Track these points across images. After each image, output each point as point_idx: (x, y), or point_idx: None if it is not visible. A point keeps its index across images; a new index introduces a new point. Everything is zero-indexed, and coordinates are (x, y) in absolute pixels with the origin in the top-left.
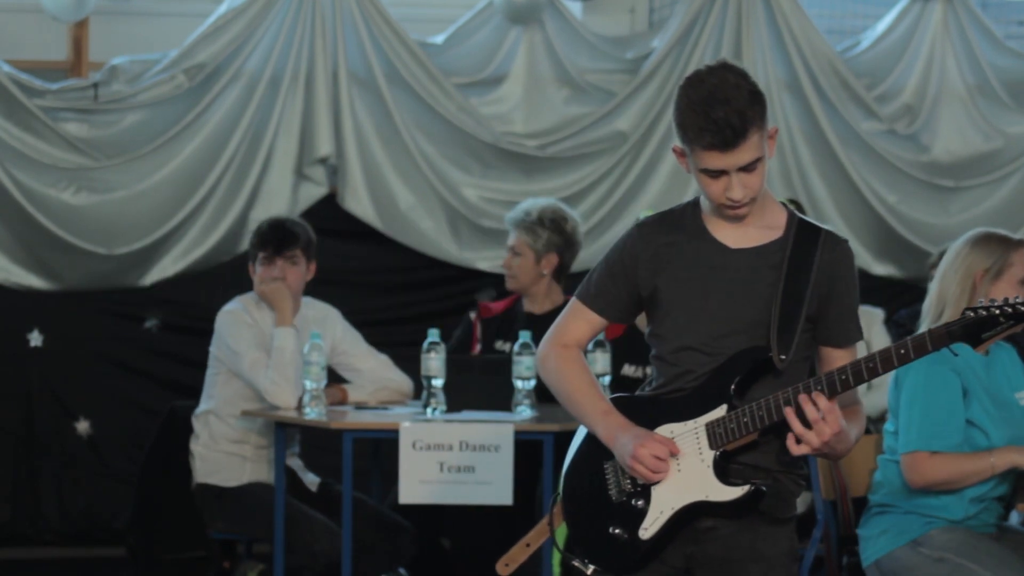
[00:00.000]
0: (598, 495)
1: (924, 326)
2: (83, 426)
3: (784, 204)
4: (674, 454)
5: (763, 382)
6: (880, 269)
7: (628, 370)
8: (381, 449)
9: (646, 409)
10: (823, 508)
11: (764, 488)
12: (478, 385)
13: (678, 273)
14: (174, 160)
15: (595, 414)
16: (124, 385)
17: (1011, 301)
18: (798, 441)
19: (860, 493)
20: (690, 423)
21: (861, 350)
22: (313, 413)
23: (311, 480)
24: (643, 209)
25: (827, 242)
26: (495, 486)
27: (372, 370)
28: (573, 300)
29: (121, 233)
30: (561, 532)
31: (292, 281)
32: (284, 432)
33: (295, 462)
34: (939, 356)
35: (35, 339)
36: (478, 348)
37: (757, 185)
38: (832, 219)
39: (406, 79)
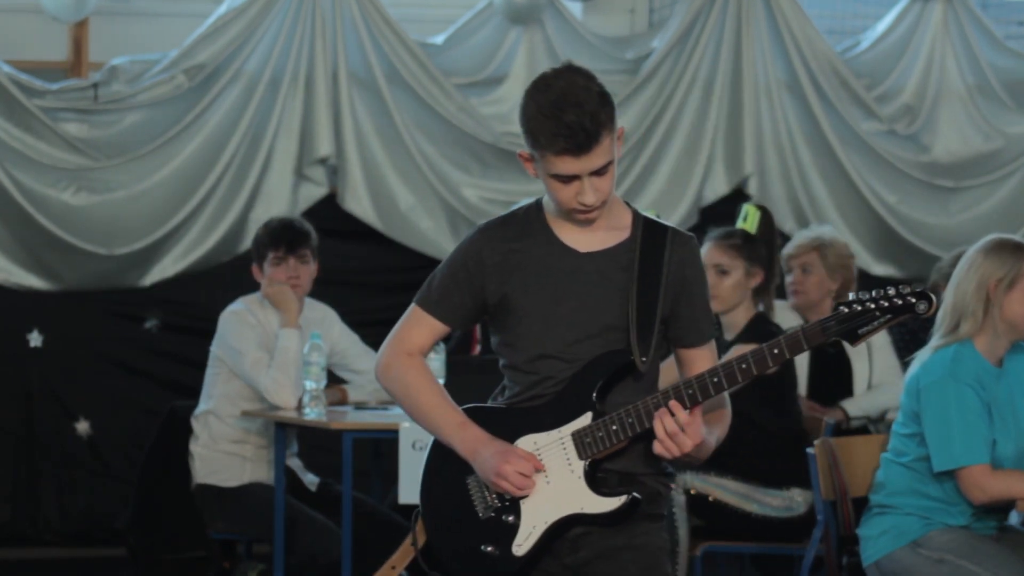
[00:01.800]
0: (463, 511)
1: (937, 336)
2: (83, 426)
3: (627, 203)
4: (538, 470)
5: (623, 386)
6: (880, 269)
7: None
8: (381, 449)
9: (504, 420)
10: (823, 508)
11: (639, 496)
12: (477, 385)
13: (528, 280)
14: (174, 160)
15: (449, 427)
16: (124, 385)
17: (884, 294)
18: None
19: (860, 493)
20: (554, 433)
21: (861, 351)
22: (313, 413)
23: (311, 480)
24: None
25: (675, 240)
26: None
27: (371, 371)
28: (413, 306)
29: (121, 233)
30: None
31: (305, 280)
32: (284, 432)
33: (295, 462)
34: (960, 372)
35: (35, 339)
36: (477, 349)
37: (608, 189)
38: (832, 219)
39: (406, 79)
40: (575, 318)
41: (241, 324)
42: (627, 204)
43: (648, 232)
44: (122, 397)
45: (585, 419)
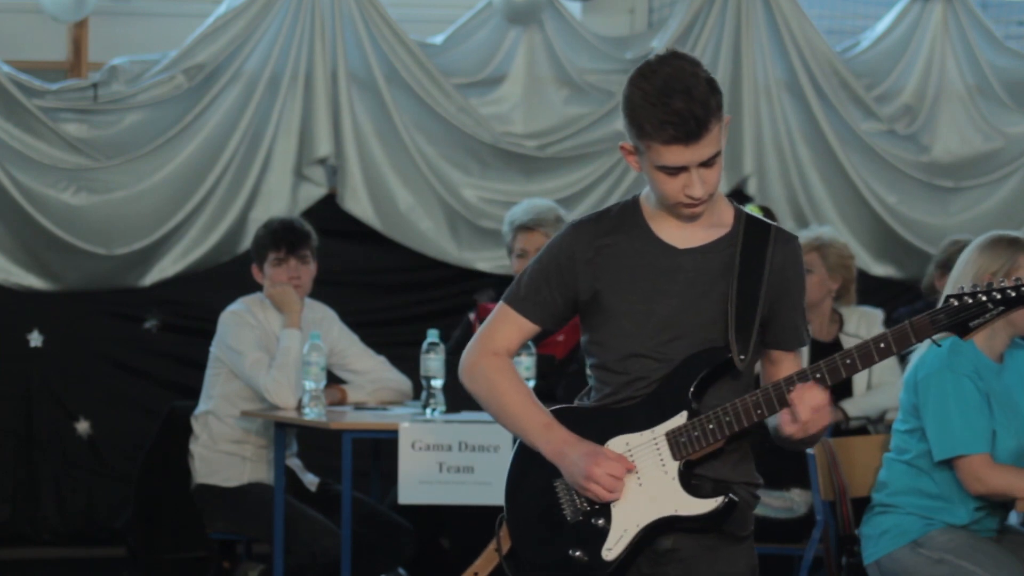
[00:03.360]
0: (550, 515)
1: None
2: (83, 426)
3: (730, 199)
4: (630, 470)
5: (720, 386)
6: (879, 270)
7: None
8: (380, 449)
9: (593, 420)
10: (822, 508)
11: (736, 499)
12: None
13: (622, 277)
14: (173, 160)
15: (536, 428)
16: (124, 385)
17: (996, 285)
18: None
19: (859, 494)
20: (647, 433)
21: None
22: (313, 413)
23: (310, 480)
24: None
25: (778, 239)
26: (494, 486)
27: (370, 371)
28: (501, 304)
29: (121, 233)
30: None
31: (306, 280)
32: (284, 432)
33: (294, 462)
34: (957, 364)
35: (35, 339)
36: None
37: (716, 180)
38: (832, 219)
39: (405, 79)
40: (670, 316)
41: (241, 324)
42: (730, 200)
43: (751, 229)
44: (122, 397)
45: (680, 418)
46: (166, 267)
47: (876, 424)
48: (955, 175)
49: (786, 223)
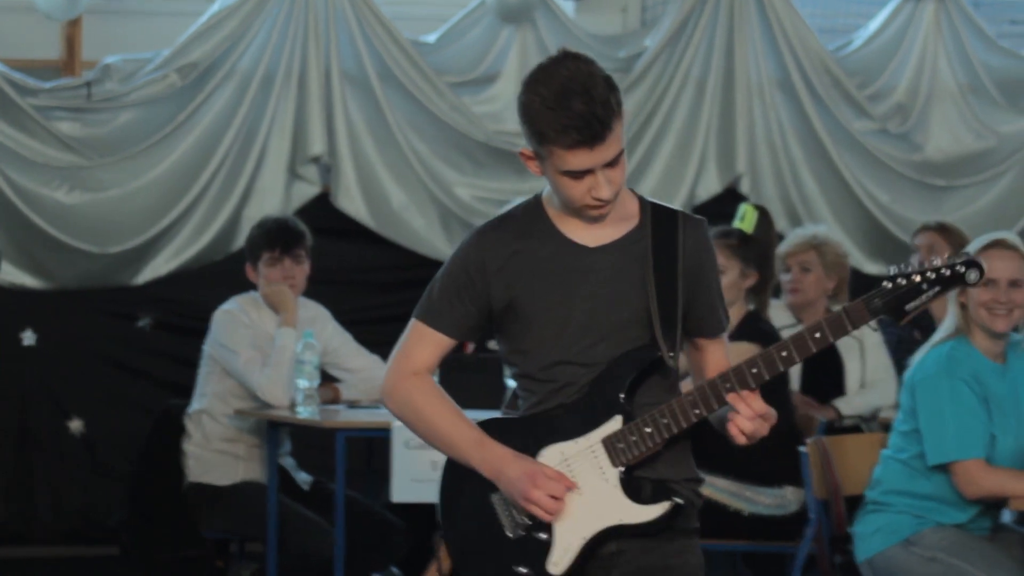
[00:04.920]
0: (489, 531)
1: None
2: (76, 425)
3: (631, 189)
4: (570, 489)
5: (649, 384)
6: (872, 268)
7: None
8: (374, 448)
9: (525, 431)
10: (815, 507)
11: (681, 502)
12: (471, 383)
13: (535, 282)
14: (167, 159)
15: (468, 447)
16: (117, 384)
17: (931, 265)
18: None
19: (853, 492)
20: (582, 440)
21: (854, 350)
22: (306, 412)
23: (303, 479)
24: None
25: (687, 224)
26: None
27: (363, 369)
28: (413, 321)
29: (114, 232)
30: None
31: (300, 279)
32: (277, 431)
33: (287, 461)
34: (954, 368)
35: (28, 338)
36: (471, 347)
37: (621, 180)
38: (825, 218)
39: (399, 78)
40: (590, 319)
41: (234, 323)
42: (631, 190)
43: (658, 218)
44: (116, 395)
45: (615, 423)
46: (159, 265)
47: (869, 423)
48: (947, 174)
49: (779, 222)
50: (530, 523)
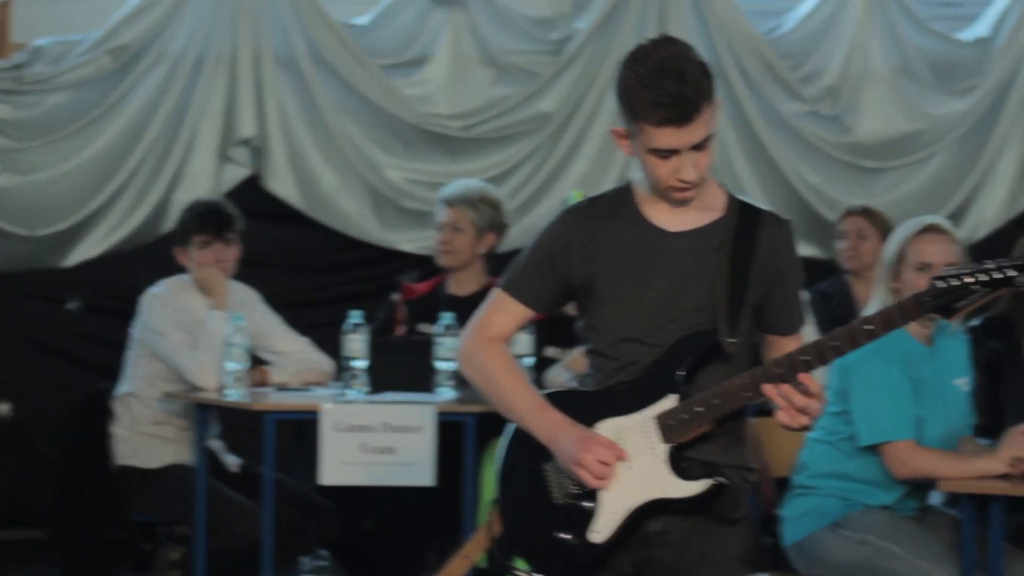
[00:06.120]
0: (539, 498)
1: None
2: (4, 408)
3: (722, 185)
4: (620, 458)
5: (710, 369)
6: (803, 250)
7: (551, 352)
8: (303, 430)
9: (585, 404)
10: None
11: (725, 482)
12: (400, 366)
13: (614, 261)
14: (97, 141)
15: (530, 412)
16: (46, 367)
17: (981, 267)
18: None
19: (782, 473)
20: (636, 416)
21: None
22: (235, 395)
23: (232, 462)
24: (573, 190)
25: (770, 223)
26: (417, 467)
27: (293, 352)
28: (496, 291)
29: (43, 214)
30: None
31: (231, 262)
32: (205, 414)
33: (216, 444)
34: (886, 349)
35: None
36: (401, 329)
37: (707, 165)
38: (756, 200)
39: (330, 60)
40: (661, 301)
41: (162, 306)
42: (722, 186)
43: (743, 213)
44: (44, 378)
45: (670, 401)
46: (89, 248)
47: None
48: (879, 156)
49: None
50: (578, 491)
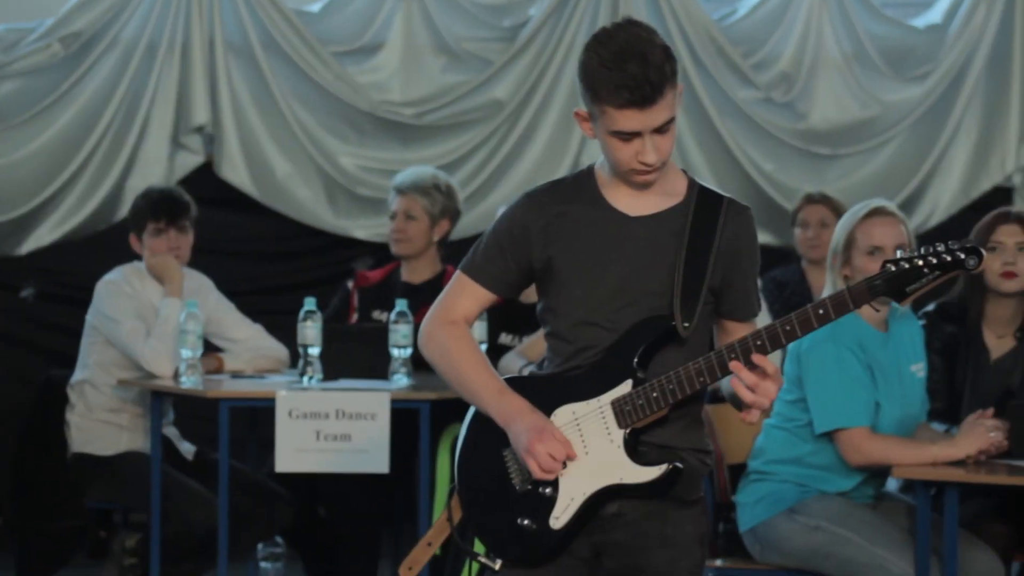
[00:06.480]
0: (499, 485)
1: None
2: None
3: (684, 171)
4: (571, 458)
5: (666, 354)
6: (758, 237)
7: (505, 339)
8: (258, 417)
9: (543, 389)
10: None
11: (681, 466)
12: (355, 354)
13: (573, 244)
14: (50, 129)
15: (488, 394)
16: (0, 355)
17: (933, 250)
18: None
19: (736, 460)
20: (593, 402)
21: None
22: (189, 382)
23: (187, 449)
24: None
25: (730, 210)
26: (372, 454)
27: (247, 339)
28: (458, 274)
29: None
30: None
31: (185, 250)
32: (160, 401)
33: (171, 431)
34: (840, 335)
35: None
36: (355, 317)
37: (669, 148)
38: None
39: (283, 47)
40: (619, 284)
41: (117, 293)
42: (684, 172)
43: (703, 199)
44: None
45: (625, 387)
46: (43, 236)
47: None
48: (832, 143)
49: None
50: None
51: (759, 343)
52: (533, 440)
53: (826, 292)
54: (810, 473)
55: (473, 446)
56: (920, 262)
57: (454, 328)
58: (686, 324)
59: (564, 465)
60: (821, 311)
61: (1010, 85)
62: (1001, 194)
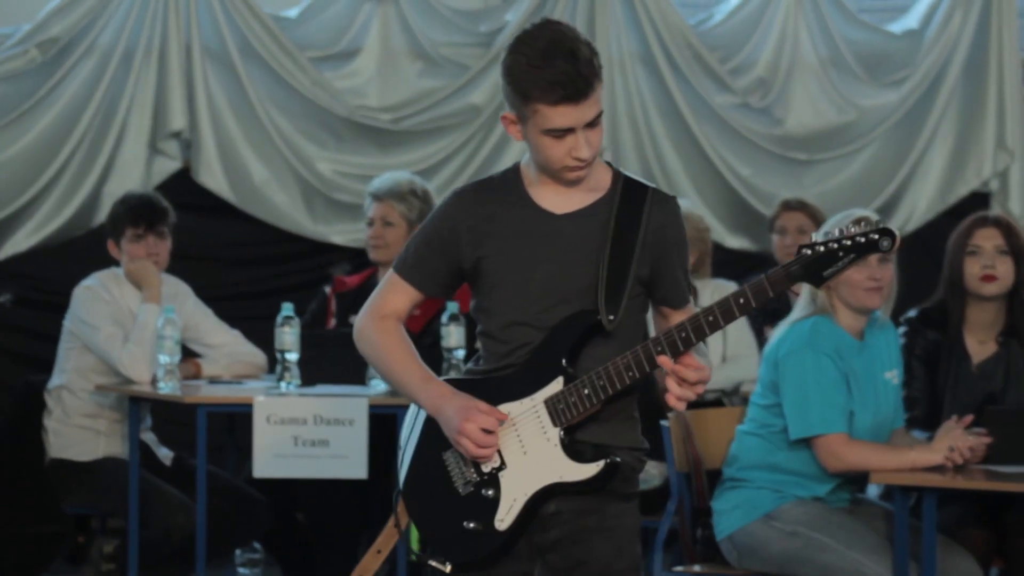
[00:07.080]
0: (443, 489)
1: (797, 309)
2: None
3: (608, 163)
4: (502, 421)
5: (596, 348)
6: (734, 242)
7: None
8: (236, 423)
9: (475, 391)
10: (676, 481)
11: (619, 459)
12: (332, 359)
13: (502, 244)
14: (27, 135)
15: (415, 383)
16: None
17: (847, 233)
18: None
19: (714, 466)
20: (527, 401)
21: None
22: (167, 387)
23: (165, 454)
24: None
25: (655, 200)
26: (350, 460)
27: (224, 345)
28: (390, 272)
29: None
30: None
31: (164, 256)
32: (138, 406)
33: (149, 436)
34: (818, 342)
35: None
36: (333, 322)
37: (600, 142)
38: (686, 192)
39: (260, 53)
40: (549, 283)
41: (94, 299)
42: (607, 163)
43: (628, 190)
44: None
45: (557, 385)
46: (20, 241)
47: (731, 396)
48: (809, 148)
49: None
50: (479, 480)
51: (683, 335)
52: (461, 421)
53: (803, 299)
54: (786, 479)
55: (414, 451)
56: (835, 245)
57: (384, 322)
58: (611, 317)
59: (501, 458)
60: (742, 300)
61: (986, 90)
62: (978, 199)
